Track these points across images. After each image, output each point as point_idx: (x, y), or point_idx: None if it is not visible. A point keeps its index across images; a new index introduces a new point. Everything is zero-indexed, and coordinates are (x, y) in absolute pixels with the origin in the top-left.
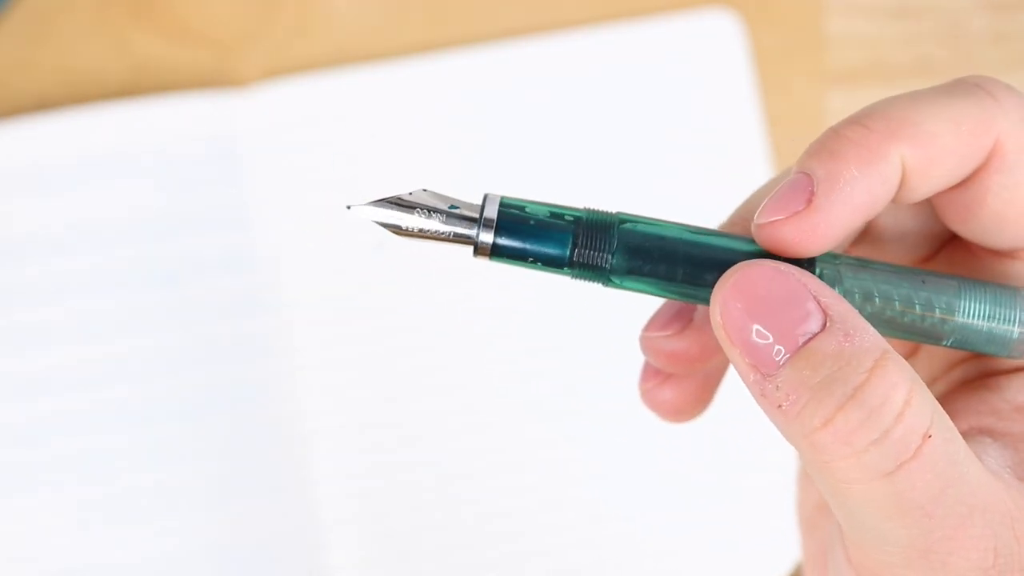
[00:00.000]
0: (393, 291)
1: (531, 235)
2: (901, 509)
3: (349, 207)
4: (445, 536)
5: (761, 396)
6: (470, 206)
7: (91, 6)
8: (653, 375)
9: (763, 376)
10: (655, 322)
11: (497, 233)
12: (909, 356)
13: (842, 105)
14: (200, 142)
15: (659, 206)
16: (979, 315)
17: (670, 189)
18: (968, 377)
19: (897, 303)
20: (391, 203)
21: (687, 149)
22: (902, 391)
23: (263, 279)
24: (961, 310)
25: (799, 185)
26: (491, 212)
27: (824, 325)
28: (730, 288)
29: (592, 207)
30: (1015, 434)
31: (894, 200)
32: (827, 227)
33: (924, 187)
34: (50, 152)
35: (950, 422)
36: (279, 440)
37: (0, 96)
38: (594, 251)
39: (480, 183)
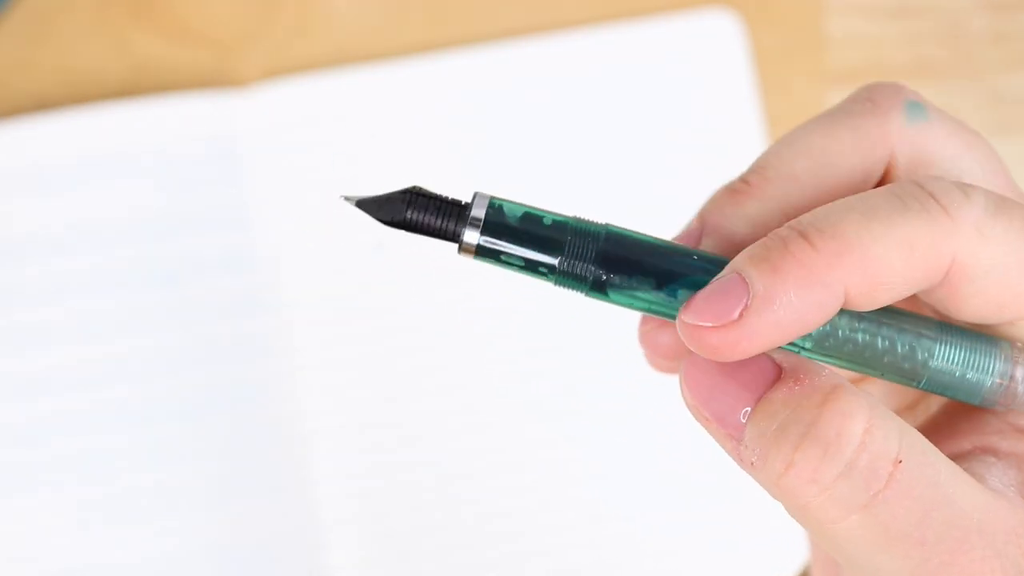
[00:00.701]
0: (393, 291)
1: (516, 238)
2: (889, 540)
3: (346, 198)
4: (445, 536)
5: (740, 461)
6: (459, 203)
7: (91, 6)
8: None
9: (736, 441)
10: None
11: (483, 232)
12: None
13: None
14: (200, 142)
15: (659, 206)
16: (955, 361)
17: (670, 189)
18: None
19: (879, 340)
20: (382, 197)
21: (687, 149)
22: (859, 420)
23: (263, 279)
24: (938, 355)
25: (734, 292)
26: (479, 211)
27: (777, 378)
28: (685, 376)
29: (580, 216)
30: (1018, 453)
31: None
32: (749, 344)
33: (868, 306)
34: (50, 152)
35: (926, 444)
36: (279, 440)
37: (0, 96)
38: (577, 260)
39: (480, 183)
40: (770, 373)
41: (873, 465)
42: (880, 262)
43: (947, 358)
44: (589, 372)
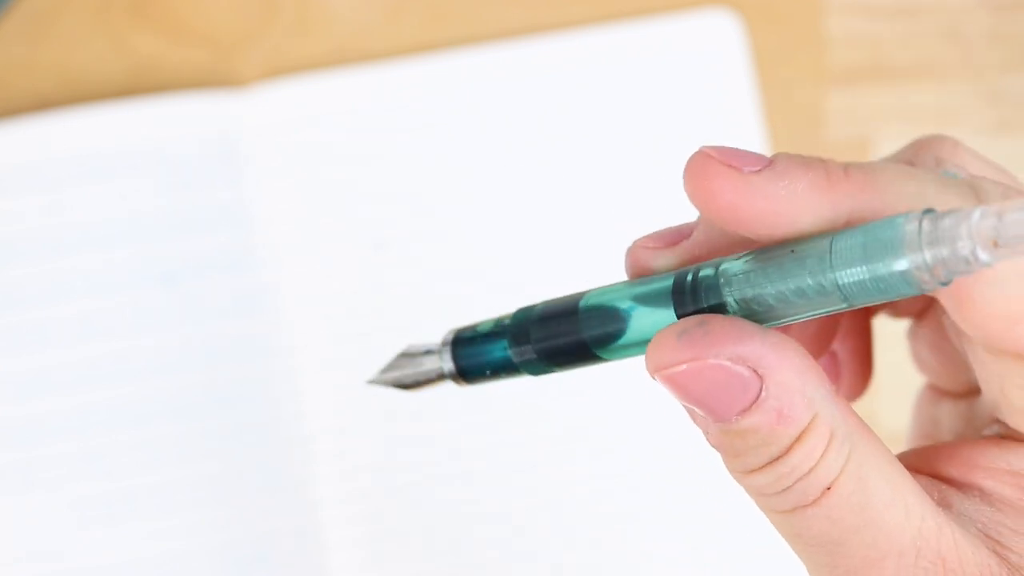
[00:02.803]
0: (393, 291)
1: (480, 359)
2: (803, 544)
3: (369, 382)
4: (446, 536)
5: (693, 419)
6: (434, 350)
7: (91, 6)
8: (656, 239)
9: (694, 413)
10: (651, 236)
11: (458, 367)
12: (964, 396)
13: (842, 105)
14: (200, 142)
15: (659, 206)
16: (858, 259)
17: (670, 189)
18: (993, 434)
19: (782, 283)
20: (401, 387)
21: (687, 149)
22: (816, 455)
23: (263, 279)
24: (838, 262)
25: (758, 156)
26: (447, 363)
27: (757, 396)
28: (661, 379)
29: (518, 307)
30: (1000, 496)
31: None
32: (764, 200)
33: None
34: (50, 152)
35: (871, 467)
36: (279, 440)
37: (0, 96)
38: (520, 348)
39: (480, 183)
40: (752, 391)
41: (806, 488)
42: (891, 188)
43: (848, 262)
44: (594, 372)
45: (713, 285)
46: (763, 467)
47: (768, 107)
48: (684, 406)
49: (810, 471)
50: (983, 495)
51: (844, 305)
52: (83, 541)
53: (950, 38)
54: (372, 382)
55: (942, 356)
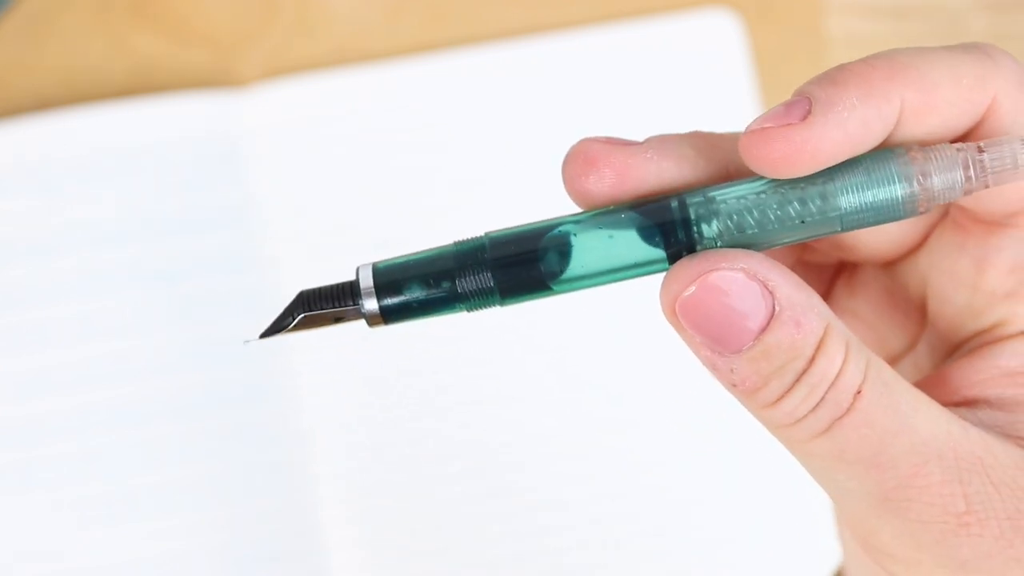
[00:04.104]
0: None
1: (413, 288)
2: (846, 462)
3: (246, 342)
4: (446, 536)
5: (713, 369)
6: (345, 285)
7: (91, 6)
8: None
9: (716, 355)
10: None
11: (380, 298)
12: (907, 351)
13: None
14: (200, 142)
15: None
16: (859, 189)
17: None
18: (970, 349)
19: (786, 205)
20: (279, 331)
21: None
22: (838, 360)
23: (263, 279)
24: (839, 190)
25: (796, 103)
26: (367, 281)
27: (773, 312)
28: (678, 311)
29: (460, 239)
30: (1005, 398)
31: (885, 141)
32: (817, 145)
33: (918, 131)
34: (50, 152)
35: (891, 376)
36: (279, 440)
37: (0, 96)
38: (475, 278)
39: (480, 183)
40: (765, 309)
41: (837, 397)
42: (933, 85)
43: (849, 192)
44: (598, 368)
45: (705, 215)
46: (791, 387)
47: (768, 107)
48: (703, 353)
49: (838, 376)
50: (989, 404)
51: (836, 231)
52: (83, 541)
53: (950, 38)
54: (259, 336)
55: (891, 308)
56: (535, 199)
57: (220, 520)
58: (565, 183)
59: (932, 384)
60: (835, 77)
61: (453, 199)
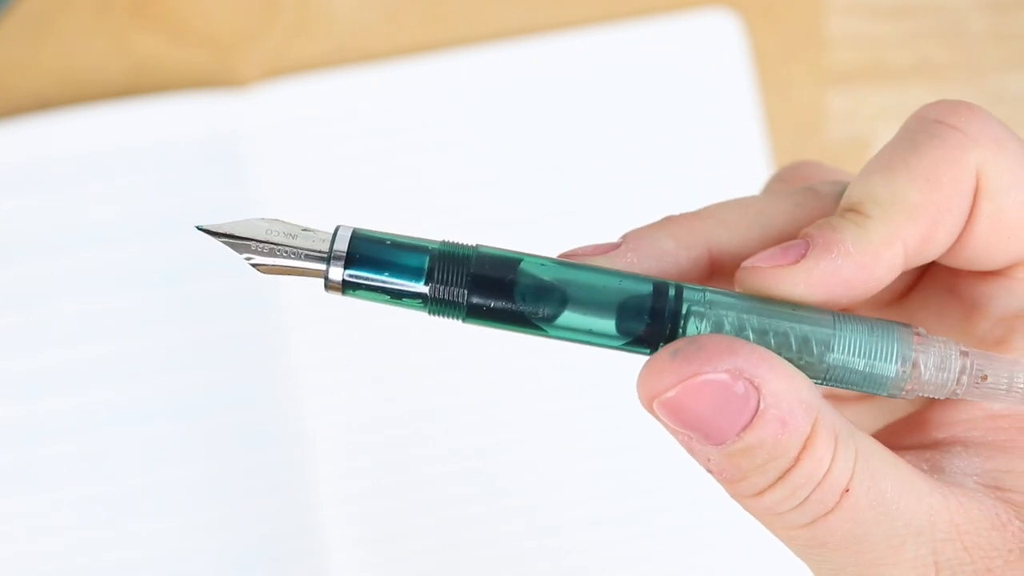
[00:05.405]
0: None
1: (384, 270)
2: (827, 549)
3: (199, 227)
4: (445, 536)
5: (690, 453)
6: (321, 237)
7: (91, 6)
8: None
9: (693, 442)
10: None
11: (348, 267)
12: None
13: (842, 105)
14: (200, 142)
15: (659, 206)
16: (856, 351)
17: (669, 189)
18: None
19: (771, 337)
20: (224, 236)
21: (687, 149)
22: (826, 461)
23: (263, 279)
24: (837, 345)
25: (796, 245)
26: (342, 245)
27: (757, 410)
28: (656, 409)
29: (449, 240)
30: (985, 443)
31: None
32: (807, 285)
33: (928, 256)
34: (50, 152)
35: (879, 460)
36: (279, 440)
37: (0, 96)
38: (449, 286)
39: (479, 183)
40: (750, 405)
41: (823, 497)
42: (924, 212)
43: (845, 349)
44: (597, 371)
45: (700, 312)
46: (774, 484)
47: (768, 107)
48: (681, 438)
49: (824, 477)
50: (967, 447)
51: (816, 380)
52: (83, 541)
53: (950, 38)
54: (211, 229)
55: None
56: (535, 199)
57: (221, 520)
58: None
59: (915, 422)
60: (835, 223)
61: (453, 199)
